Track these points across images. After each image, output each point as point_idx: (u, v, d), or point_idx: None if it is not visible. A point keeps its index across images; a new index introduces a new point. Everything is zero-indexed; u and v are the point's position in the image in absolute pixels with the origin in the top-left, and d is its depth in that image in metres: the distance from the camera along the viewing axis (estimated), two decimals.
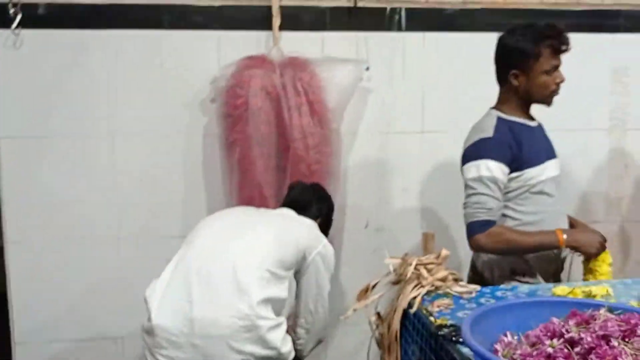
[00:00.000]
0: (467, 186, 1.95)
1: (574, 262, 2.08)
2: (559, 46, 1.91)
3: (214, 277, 1.75)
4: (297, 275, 1.98)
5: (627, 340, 0.99)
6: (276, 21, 2.49)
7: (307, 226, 2.03)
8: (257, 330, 1.70)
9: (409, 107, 2.73)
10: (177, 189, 2.62)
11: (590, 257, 1.94)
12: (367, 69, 2.53)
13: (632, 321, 1.02)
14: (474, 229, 1.89)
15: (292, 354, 1.84)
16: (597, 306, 1.18)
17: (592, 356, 0.95)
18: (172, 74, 2.54)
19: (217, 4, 2.55)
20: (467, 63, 2.68)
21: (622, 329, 1.01)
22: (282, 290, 1.82)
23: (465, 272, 2.21)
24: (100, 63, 2.50)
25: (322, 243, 1.98)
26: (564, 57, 1.99)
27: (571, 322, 1.09)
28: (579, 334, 1.02)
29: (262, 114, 2.34)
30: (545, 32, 1.91)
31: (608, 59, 2.84)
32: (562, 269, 2.09)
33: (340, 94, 2.41)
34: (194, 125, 2.58)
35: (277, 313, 1.79)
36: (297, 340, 2.01)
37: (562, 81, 1.95)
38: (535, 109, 2.11)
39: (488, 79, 2.11)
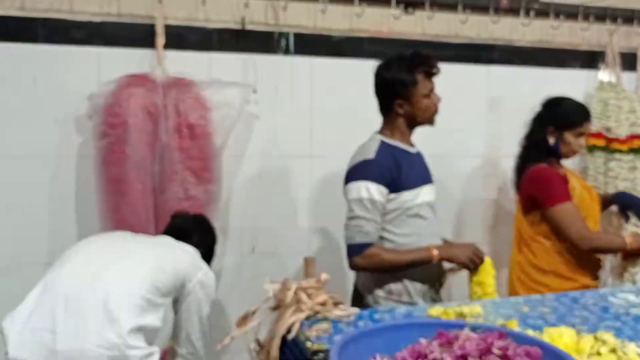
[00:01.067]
0: (348, 206, 2.03)
1: (457, 280, 2.17)
2: (431, 70, 2.07)
3: (82, 306, 1.65)
4: (176, 303, 1.91)
5: (483, 358, 1.02)
6: (160, 39, 2.43)
7: (188, 253, 1.97)
8: None
9: (297, 130, 2.75)
10: (47, 213, 2.46)
11: (464, 266, 2.06)
12: (255, 91, 2.52)
13: (489, 340, 1.05)
14: (351, 251, 2.00)
15: None
16: (462, 326, 1.21)
17: None
18: (46, 92, 2.40)
19: (97, 19, 2.45)
20: (353, 89, 2.74)
21: (479, 347, 1.04)
22: (156, 319, 1.74)
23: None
24: None
25: (202, 270, 1.94)
26: (444, 88, 2.17)
27: (435, 343, 1.10)
28: (441, 355, 1.04)
29: (141, 134, 2.26)
30: (417, 60, 2.06)
31: (484, 89, 3.02)
32: (439, 287, 2.18)
33: (225, 117, 2.38)
34: (67, 146, 2.44)
35: (150, 343, 1.71)
36: None
37: (439, 101, 2.11)
38: (417, 137, 2.21)
39: (374, 104, 2.18)
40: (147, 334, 1.71)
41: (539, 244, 2.40)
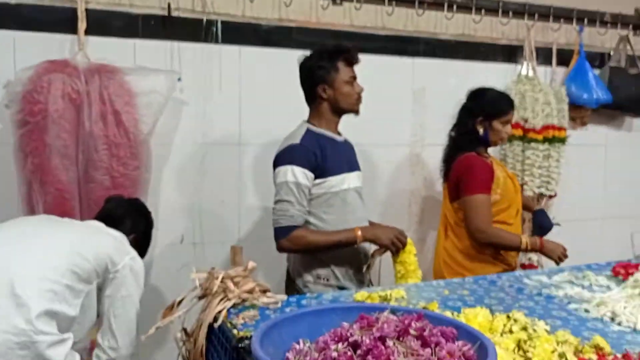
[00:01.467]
0: (275, 191, 2.10)
1: (387, 263, 2.24)
2: (351, 58, 2.16)
3: None
4: (100, 291, 1.83)
5: (401, 339, 1.06)
6: (82, 24, 2.35)
7: (113, 238, 1.89)
8: (35, 347, 1.55)
9: (226, 118, 2.73)
10: None
11: (387, 248, 2.15)
12: (179, 79, 2.48)
13: (406, 321, 1.10)
14: (277, 234, 2.08)
15: None
16: (383, 309, 1.25)
17: (369, 357, 1.00)
18: None
19: (13, 1, 2.34)
20: (282, 78, 2.74)
21: (397, 329, 1.08)
22: (72, 306, 1.68)
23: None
24: None
25: (129, 255, 1.85)
26: (371, 79, 2.27)
27: (355, 326, 1.14)
28: (361, 337, 1.08)
29: (63, 122, 2.17)
30: (337, 49, 2.16)
31: (409, 81, 3.10)
32: (367, 269, 2.24)
33: (150, 104, 2.32)
34: None
35: (64, 331, 1.65)
36: None
37: (361, 90, 2.19)
38: (344, 126, 2.26)
39: (302, 93, 2.20)
40: (61, 321, 1.64)
41: (465, 230, 2.48)
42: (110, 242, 1.86)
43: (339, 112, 2.20)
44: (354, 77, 2.17)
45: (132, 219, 2.05)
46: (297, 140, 2.10)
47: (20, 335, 1.54)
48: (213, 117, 2.70)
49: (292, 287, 2.22)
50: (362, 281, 2.22)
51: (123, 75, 2.29)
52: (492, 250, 2.46)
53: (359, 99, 2.18)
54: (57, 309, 1.62)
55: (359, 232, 2.09)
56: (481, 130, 2.49)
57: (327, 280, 2.13)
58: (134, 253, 1.89)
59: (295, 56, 2.31)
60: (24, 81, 2.17)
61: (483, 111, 2.48)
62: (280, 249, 2.11)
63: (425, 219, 3.20)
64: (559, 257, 2.43)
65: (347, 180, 2.16)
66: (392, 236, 2.13)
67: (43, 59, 2.25)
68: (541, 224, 2.80)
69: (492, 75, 3.21)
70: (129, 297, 1.84)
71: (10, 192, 2.32)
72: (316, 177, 2.10)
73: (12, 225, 1.85)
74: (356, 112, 2.21)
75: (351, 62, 2.15)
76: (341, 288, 2.12)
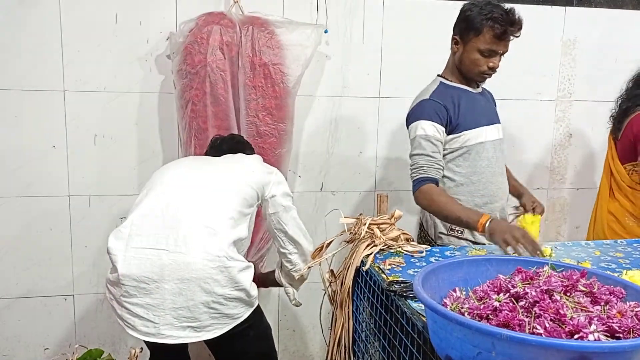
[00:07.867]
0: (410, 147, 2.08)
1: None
2: (501, 33, 1.95)
3: (183, 224, 1.76)
4: (263, 211, 2.03)
5: (568, 294, 1.06)
6: None
7: (257, 160, 2.08)
8: (229, 272, 1.73)
9: (367, 71, 2.74)
10: (132, 147, 2.58)
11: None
12: (326, 31, 2.52)
13: (574, 277, 1.09)
14: (413, 187, 2.01)
15: (256, 303, 1.87)
16: (541, 264, 1.24)
17: (536, 309, 1.00)
18: (127, 29, 2.47)
19: None
20: (425, 29, 2.71)
21: (564, 284, 1.07)
22: (244, 229, 1.86)
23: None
24: (52, 16, 2.41)
25: (272, 172, 2.02)
26: None
27: (517, 278, 1.14)
28: (524, 289, 1.08)
29: (219, 72, 2.30)
30: (496, 15, 1.94)
31: (559, 32, 2.92)
32: None
33: (298, 57, 2.38)
34: (149, 83, 2.53)
35: (240, 253, 1.84)
36: (293, 268, 2.08)
37: (494, 67, 2.03)
38: (488, 79, 2.18)
39: (445, 46, 2.16)
40: (238, 245, 1.83)
41: None
42: (258, 165, 2.03)
43: (460, 71, 2.09)
44: (494, 52, 1.99)
45: (249, 148, 2.23)
46: (427, 96, 2.06)
47: (216, 261, 1.72)
48: (354, 69, 2.72)
49: (424, 237, 2.21)
50: None
51: (274, 29, 2.37)
52: None
53: (484, 73, 2.04)
54: (238, 235, 1.81)
55: (481, 222, 1.78)
56: None
57: (461, 233, 2.09)
58: (272, 168, 2.06)
59: (440, 6, 2.24)
60: (185, 33, 2.32)
61: None
62: (416, 201, 2.04)
63: (570, 178, 3.06)
64: None
65: (484, 134, 2.09)
66: (504, 236, 1.74)
67: (200, 12, 2.38)
68: None
69: None
70: (288, 206, 2.03)
71: (172, 136, 2.56)
72: (451, 132, 2.04)
73: (181, 165, 2.03)
74: (476, 82, 2.12)
75: (499, 37, 1.96)
76: (474, 243, 2.08)
